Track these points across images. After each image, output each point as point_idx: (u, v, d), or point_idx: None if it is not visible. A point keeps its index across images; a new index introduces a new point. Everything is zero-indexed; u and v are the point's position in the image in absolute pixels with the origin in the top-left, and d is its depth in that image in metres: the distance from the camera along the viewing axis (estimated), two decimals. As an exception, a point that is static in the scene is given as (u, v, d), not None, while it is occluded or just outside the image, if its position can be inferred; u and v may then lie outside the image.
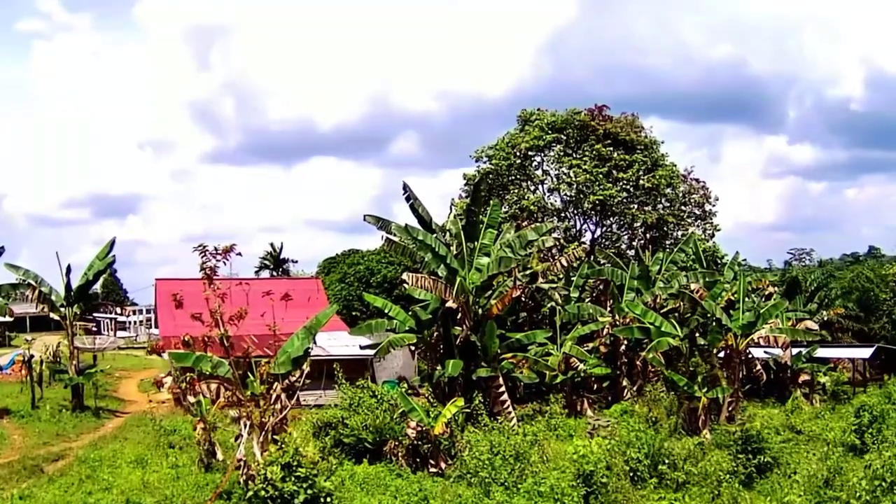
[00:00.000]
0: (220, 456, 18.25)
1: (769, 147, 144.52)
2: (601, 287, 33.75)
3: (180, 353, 15.60)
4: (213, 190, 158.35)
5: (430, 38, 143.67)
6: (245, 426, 14.76)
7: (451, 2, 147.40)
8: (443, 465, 17.45)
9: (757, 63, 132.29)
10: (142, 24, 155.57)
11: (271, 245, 66.00)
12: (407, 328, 25.75)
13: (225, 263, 14.99)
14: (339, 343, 34.91)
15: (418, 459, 17.72)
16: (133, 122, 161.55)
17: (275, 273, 63.25)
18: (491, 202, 25.83)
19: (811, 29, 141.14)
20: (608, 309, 32.85)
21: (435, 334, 25.88)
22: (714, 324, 24.22)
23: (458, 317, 24.93)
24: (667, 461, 17.02)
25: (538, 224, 26.74)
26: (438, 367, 25.57)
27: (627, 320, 30.51)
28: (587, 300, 34.27)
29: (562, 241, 37.52)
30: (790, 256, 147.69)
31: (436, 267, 24.88)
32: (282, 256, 65.49)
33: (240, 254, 15.25)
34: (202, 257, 14.91)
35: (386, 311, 26.05)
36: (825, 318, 42.66)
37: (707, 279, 32.49)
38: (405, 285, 24.14)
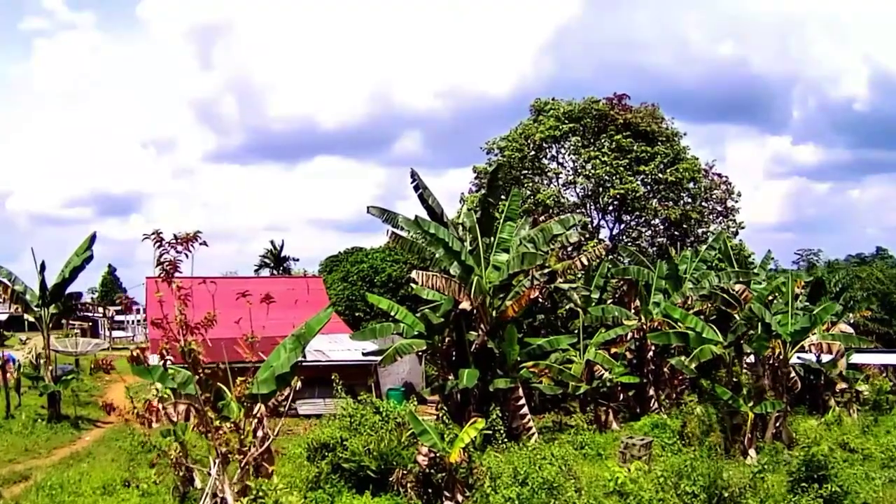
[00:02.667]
0: (198, 483, 15.65)
1: (773, 147, 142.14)
2: (625, 287, 31.19)
3: (139, 368, 12.83)
4: (216, 188, 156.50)
5: (432, 35, 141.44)
6: (215, 461, 12.06)
7: (453, 1, 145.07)
8: (459, 497, 14.79)
9: (760, 62, 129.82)
10: (145, 22, 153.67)
11: (272, 243, 63.54)
12: (416, 332, 23.13)
13: (187, 256, 12.03)
14: (340, 347, 32.32)
15: (430, 490, 15.06)
16: (136, 120, 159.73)
17: (275, 272, 60.77)
18: (511, 193, 23.16)
19: (815, 27, 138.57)
20: (633, 310, 30.36)
21: (447, 339, 23.26)
22: (761, 329, 21.49)
23: (474, 320, 22.27)
24: (725, 493, 14.32)
25: (564, 216, 24.05)
26: (451, 377, 22.95)
27: (656, 323, 28.06)
28: (609, 301, 31.75)
29: (581, 237, 34.83)
30: (797, 257, 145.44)
31: (448, 264, 22.27)
32: (283, 255, 62.95)
33: (205, 243, 12.17)
34: (158, 248, 11.73)
35: (392, 313, 23.44)
36: (851, 321, 40.29)
37: (741, 279, 30.12)
38: (413, 285, 21.48)
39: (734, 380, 22.29)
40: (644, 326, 28.31)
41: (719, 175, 41.67)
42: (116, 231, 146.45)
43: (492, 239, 23.32)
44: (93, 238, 27.08)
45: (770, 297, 32.26)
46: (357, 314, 42.86)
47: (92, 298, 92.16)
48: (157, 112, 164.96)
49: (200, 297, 39.97)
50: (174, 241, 11.36)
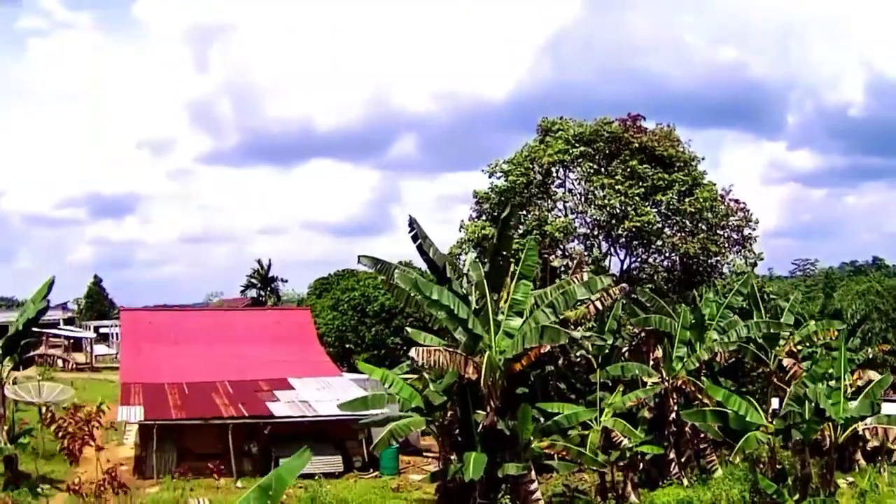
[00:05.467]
0: None
1: (769, 153, 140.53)
2: (642, 335, 28.47)
3: None
4: (211, 191, 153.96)
5: (429, 39, 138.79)
6: None
7: (451, 3, 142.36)
8: None
9: (757, 67, 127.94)
10: (142, 23, 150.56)
11: (259, 262, 60.37)
12: (413, 406, 20.29)
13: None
14: (329, 396, 29.45)
15: None
16: (131, 120, 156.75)
17: (262, 293, 57.76)
18: (526, 244, 20.28)
19: (813, 32, 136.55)
20: (651, 360, 27.69)
21: (449, 413, 20.44)
22: (812, 412, 18.73)
23: (481, 395, 19.42)
24: None
25: (590, 278, 21.21)
26: (453, 456, 20.15)
27: (680, 382, 25.44)
28: (625, 349, 29.03)
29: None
30: (794, 267, 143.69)
31: (452, 329, 19.41)
32: (270, 275, 59.80)
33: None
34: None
35: (385, 384, 20.56)
36: (869, 356, 37.83)
37: (772, 329, 27.53)
38: (413, 360, 18.55)
39: (777, 465, 19.53)
40: (667, 384, 25.64)
41: (736, 201, 38.78)
42: (111, 232, 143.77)
43: (502, 293, 20.54)
44: (51, 284, 24.16)
45: (795, 347, 29.56)
46: (347, 346, 40.04)
47: (77, 307, 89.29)
48: (152, 113, 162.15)
49: (181, 330, 36.07)
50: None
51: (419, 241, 20.50)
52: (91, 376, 51.17)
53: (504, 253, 20.74)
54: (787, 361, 22.98)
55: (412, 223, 20.28)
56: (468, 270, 21.80)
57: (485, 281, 20.14)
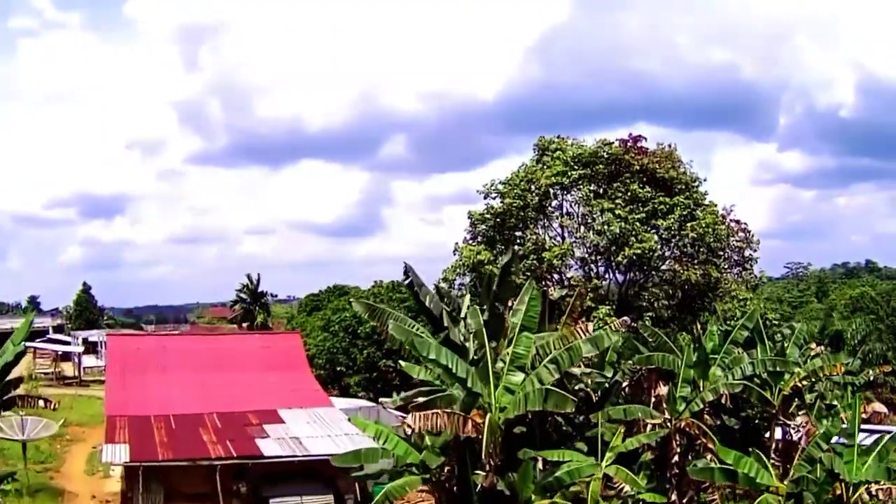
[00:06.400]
0: None
1: (759, 154, 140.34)
2: (643, 372, 27.68)
3: None
4: (201, 191, 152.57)
5: (419, 39, 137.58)
6: None
7: (440, 4, 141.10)
8: None
9: (748, 68, 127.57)
10: (132, 23, 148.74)
11: (248, 277, 59.26)
12: (408, 461, 19.43)
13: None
14: (320, 432, 28.49)
15: None
16: (121, 121, 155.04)
17: (251, 307, 56.70)
18: (529, 293, 19.39)
19: (804, 34, 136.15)
20: (653, 397, 26.96)
21: (447, 469, 19.57)
22: (824, 473, 18.00)
23: (479, 454, 18.55)
24: None
25: (597, 333, 20.35)
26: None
27: (684, 424, 24.67)
28: (625, 384, 28.29)
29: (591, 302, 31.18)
30: (787, 271, 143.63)
31: (450, 385, 18.56)
32: (259, 290, 58.66)
33: None
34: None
35: (379, 440, 19.64)
36: (870, 378, 37.26)
37: (777, 367, 26.87)
38: (407, 427, 17.59)
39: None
40: (670, 426, 24.89)
41: (737, 222, 38.08)
42: (101, 233, 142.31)
43: (502, 341, 19.69)
44: (31, 322, 23.18)
45: (800, 382, 28.81)
46: (338, 368, 39.12)
47: (67, 313, 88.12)
48: (142, 113, 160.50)
49: (168, 356, 34.55)
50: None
51: (414, 288, 19.65)
52: (79, 392, 50.05)
53: (503, 299, 19.91)
54: (800, 419, 22.22)
55: (407, 271, 19.46)
56: (466, 316, 20.88)
57: (483, 330, 19.31)
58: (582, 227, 34.29)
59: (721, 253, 36.80)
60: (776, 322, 35.58)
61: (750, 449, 19.74)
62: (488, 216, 35.60)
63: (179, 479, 26.13)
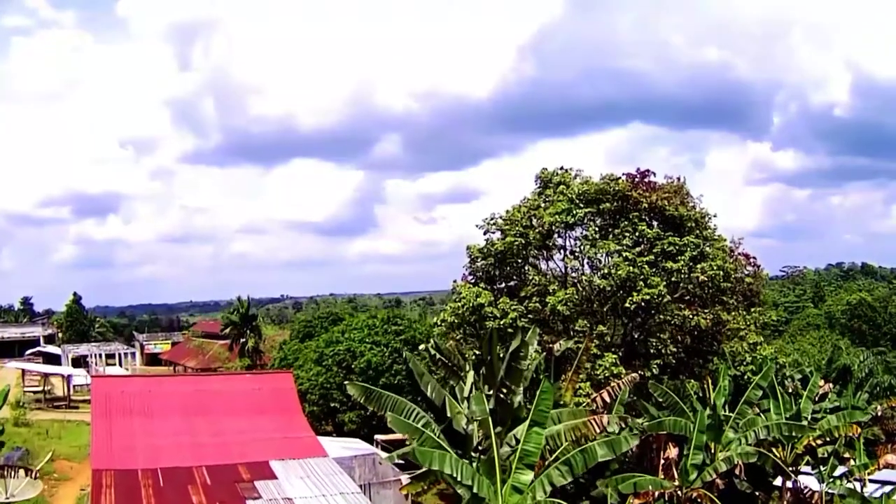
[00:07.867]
0: None
1: (753, 153, 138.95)
2: (652, 434, 26.45)
3: None
4: (194, 190, 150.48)
5: (412, 38, 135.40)
6: None
7: (434, 3, 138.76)
8: None
9: (742, 67, 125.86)
10: (126, 21, 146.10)
11: (238, 300, 57.64)
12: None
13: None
14: (315, 492, 27.14)
15: None
16: (115, 119, 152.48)
17: (242, 329, 55.25)
18: (540, 387, 17.98)
19: (798, 34, 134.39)
20: (662, 459, 25.84)
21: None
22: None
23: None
24: None
25: (617, 437, 19.00)
26: None
27: (695, 494, 23.54)
28: (633, 443, 27.01)
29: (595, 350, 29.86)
30: (783, 274, 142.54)
31: (454, 485, 17.23)
32: (251, 313, 57.13)
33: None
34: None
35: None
36: (878, 413, 36.16)
37: (793, 433, 25.68)
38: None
39: None
40: (681, 494, 23.72)
41: (746, 256, 36.64)
42: (94, 232, 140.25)
43: (507, 436, 18.37)
44: (6, 394, 21.76)
45: (814, 442, 27.58)
46: (332, 404, 37.75)
47: (58, 324, 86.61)
48: (135, 112, 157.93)
49: (154, 399, 32.60)
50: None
51: (416, 377, 18.24)
52: (67, 416, 48.59)
53: (511, 385, 18.58)
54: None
55: (407, 361, 18.06)
56: (470, 399, 19.51)
57: (489, 419, 17.98)
58: (587, 269, 32.88)
59: (729, 291, 35.34)
60: (786, 369, 34.44)
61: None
62: (489, 247, 34.06)
63: (166, 546, 24.81)
